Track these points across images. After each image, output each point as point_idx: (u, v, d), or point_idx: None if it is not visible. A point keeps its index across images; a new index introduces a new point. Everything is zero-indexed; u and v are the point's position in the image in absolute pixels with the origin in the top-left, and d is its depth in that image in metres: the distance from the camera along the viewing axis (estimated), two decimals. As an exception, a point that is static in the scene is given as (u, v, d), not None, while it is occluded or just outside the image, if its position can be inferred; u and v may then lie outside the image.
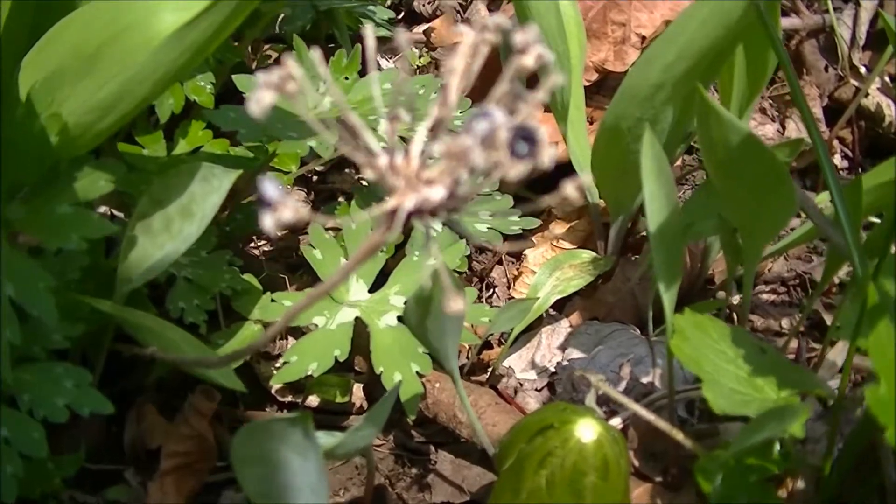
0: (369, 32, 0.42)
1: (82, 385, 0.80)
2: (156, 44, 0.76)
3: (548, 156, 0.34)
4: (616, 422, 0.89)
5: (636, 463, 0.90)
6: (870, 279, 0.63)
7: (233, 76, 0.98)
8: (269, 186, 0.34)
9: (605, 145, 0.96)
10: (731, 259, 0.88)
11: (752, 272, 0.85)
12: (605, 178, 1.02)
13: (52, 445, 0.78)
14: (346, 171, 1.27)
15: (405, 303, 0.75)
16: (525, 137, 0.33)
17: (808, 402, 0.75)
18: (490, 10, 1.67)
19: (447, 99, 0.36)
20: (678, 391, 0.89)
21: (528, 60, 0.39)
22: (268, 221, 0.35)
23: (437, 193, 0.36)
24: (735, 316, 1.11)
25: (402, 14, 1.80)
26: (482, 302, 1.16)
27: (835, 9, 1.50)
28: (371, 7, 1.29)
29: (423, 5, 1.76)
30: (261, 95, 0.37)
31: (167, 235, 0.87)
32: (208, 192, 0.84)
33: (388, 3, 1.76)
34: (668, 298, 0.76)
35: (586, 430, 0.71)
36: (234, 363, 0.87)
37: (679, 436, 0.76)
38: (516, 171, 0.33)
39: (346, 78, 1.02)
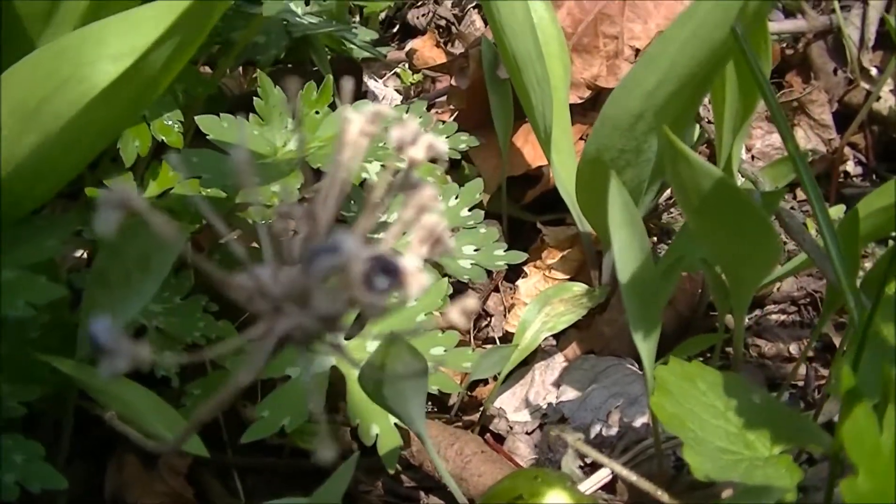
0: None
1: (33, 459, 0.76)
2: (93, 96, 0.71)
3: (415, 286, 0.29)
4: (603, 473, 0.84)
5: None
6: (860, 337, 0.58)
7: (196, 118, 0.93)
8: (102, 330, 0.29)
9: (589, 176, 0.90)
10: (720, 301, 0.82)
11: (743, 316, 0.80)
12: (591, 207, 0.97)
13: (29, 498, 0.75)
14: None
15: (360, 370, 0.70)
16: (384, 269, 0.28)
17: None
18: (485, 20, 1.62)
19: (316, 213, 0.31)
20: (671, 437, 0.84)
21: (418, 153, 0.34)
22: (104, 370, 0.30)
23: (307, 318, 0.32)
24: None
25: (397, 27, 1.76)
26: (478, 332, 1.12)
27: (842, 8, 1.43)
28: (354, 28, 1.23)
29: (417, 18, 1.71)
30: (106, 216, 0.32)
31: (126, 289, 0.83)
32: (166, 245, 0.80)
33: (383, 16, 1.72)
34: (646, 349, 0.70)
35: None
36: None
37: (664, 497, 0.70)
38: (374, 308, 0.28)
39: (317, 112, 0.97)
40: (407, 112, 1.13)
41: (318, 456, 0.31)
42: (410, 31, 1.73)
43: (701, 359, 1.02)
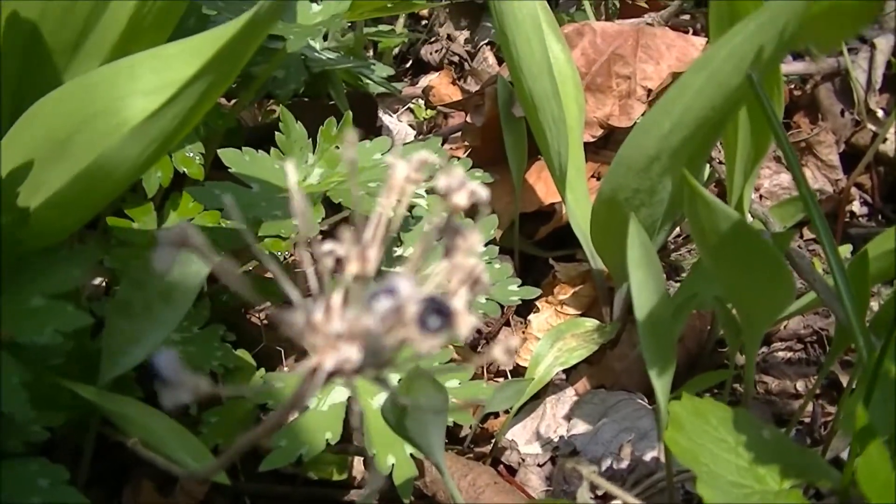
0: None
1: (57, 483, 0.77)
2: (125, 130, 0.73)
3: (465, 327, 0.30)
4: (616, 506, 0.86)
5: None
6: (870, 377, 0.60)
7: (219, 151, 0.95)
8: (166, 363, 0.31)
9: (604, 215, 0.92)
10: (731, 338, 0.84)
11: (754, 354, 0.81)
12: (605, 245, 0.99)
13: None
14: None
15: (384, 402, 0.72)
16: (437, 310, 0.30)
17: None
18: (498, 57, 1.65)
19: (364, 252, 0.33)
20: (681, 471, 0.85)
21: (462, 200, 0.36)
22: (166, 401, 0.32)
23: (356, 354, 0.33)
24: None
25: (410, 62, 1.78)
26: (490, 366, 1.14)
27: (850, 50, 1.46)
28: (371, 64, 1.26)
29: (430, 54, 1.74)
30: (164, 254, 0.34)
31: (148, 319, 0.84)
32: (188, 276, 0.82)
33: (396, 51, 1.74)
34: (661, 385, 0.72)
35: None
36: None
37: (677, 531, 0.72)
38: (428, 345, 0.30)
39: (337, 147, 0.99)
40: (423, 147, 1.15)
41: (369, 486, 0.33)
42: (424, 67, 1.76)
43: (709, 395, 1.04)
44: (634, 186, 0.87)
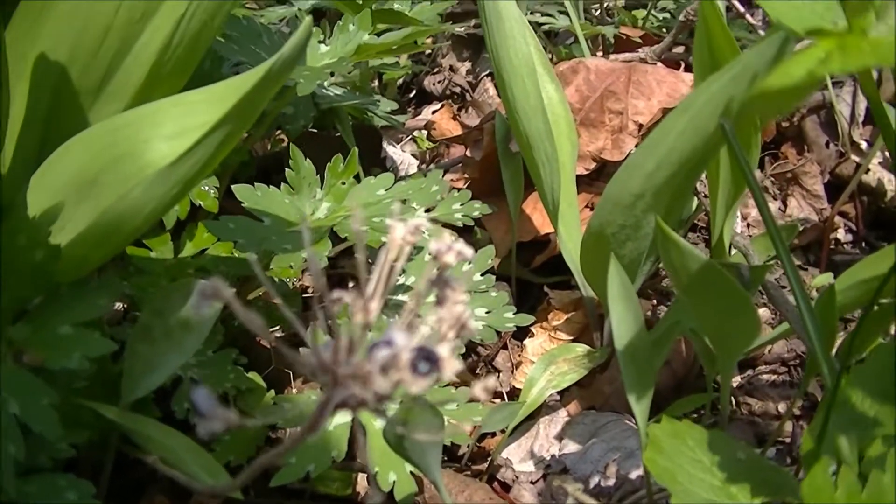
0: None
1: (84, 497, 0.83)
2: (149, 172, 0.80)
3: (450, 370, 0.37)
4: (602, 522, 0.92)
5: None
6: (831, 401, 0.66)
7: (232, 186, 1.02)
8: (202, 398, 0.37)
9: (592, 247, 0.99)
10: (708, 366, 0.90)
11: (728, 380, 0.87)
12: (594, 275, 1.05)
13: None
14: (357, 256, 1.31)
15: (385, 424, 0.78)
16: (426, 357, 0.36)
17: None
18: (499, 91, 1.71)
19: (367, 304, 0.40)
20: (661, 489, 0.91)
21: (451, 259, 0.43)
22: (201, 431, 0.38)
23: (363, 391, 0.40)
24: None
25: (414, 92, 1.85)
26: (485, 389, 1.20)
27: (834, 84, 1.52)
28: (376, 100, 1.32)
29: (433, 84, 1.80)
30: (201, 303, 0.40)
31: (168, 345, 0.91)
32: (206, 306, 0.88)
33: (401, 81, 1.81)
34: (640, 410, 0.78)
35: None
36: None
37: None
38: (419, 387, 0.36)
39: (343, 183, 1.06)
40: (425, 178, 1.21)
41: (369, 500, 0.39)
42: (427, 97, 1.82)
43: (696, 415, 1.10)
44: (620, 222, 0.93)
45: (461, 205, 1.19)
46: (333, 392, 0.40)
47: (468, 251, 0.43)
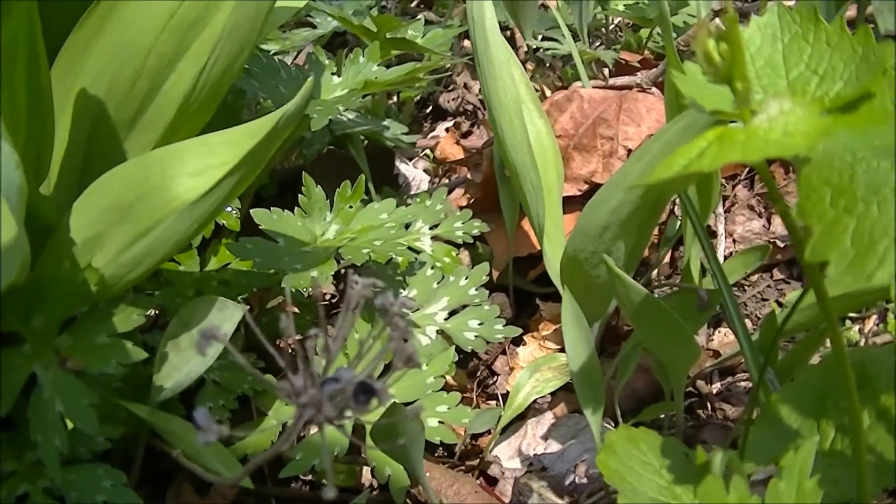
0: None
1: (118, 485, 0.96)
2: (176, 205, 0.92)
3: (385, 399, 0.49)
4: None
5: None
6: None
7: (251, 211, 1.15)
8: (200, 416, 0.50)
9: (570, 269, 1.10)
10: (662, 380, 1.02)
11: (681, 392, 0.98)
12: (574, 292, 1.16)
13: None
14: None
15: (371, 428, 0.90)
16: (365, 390, 0.48)
17: None
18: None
19: (331, 352, 0.52)
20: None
21: (400, 310, 0.55)
22: (201, 440, 0.50)
23: (318, 412, 0.52)
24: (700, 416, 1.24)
25: (430, 108, 1.97)
26: (485, 389, 1.32)
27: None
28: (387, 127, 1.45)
29: (447, 101, 1.92)
30: (204, 344, 0.52)
31: (192, 352, 1.03)
32: (224, 319, 1.01)
33: (417, 98, 1.93)
34: (594, 421, 0.90)
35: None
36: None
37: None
38: (359, 412, 0.48)
39: (350, 206, 1.18)
40: (430, 198, 1.33)
41: (324, 494, 0.51)
42: (442, 114, 1.94)
43: (664, 422, 1.21)
44: (592, 249, 1.04)
45: (462, 223, 1.31)
46: (301, 412, 0.53)
47: (410, 303, 0.55)
